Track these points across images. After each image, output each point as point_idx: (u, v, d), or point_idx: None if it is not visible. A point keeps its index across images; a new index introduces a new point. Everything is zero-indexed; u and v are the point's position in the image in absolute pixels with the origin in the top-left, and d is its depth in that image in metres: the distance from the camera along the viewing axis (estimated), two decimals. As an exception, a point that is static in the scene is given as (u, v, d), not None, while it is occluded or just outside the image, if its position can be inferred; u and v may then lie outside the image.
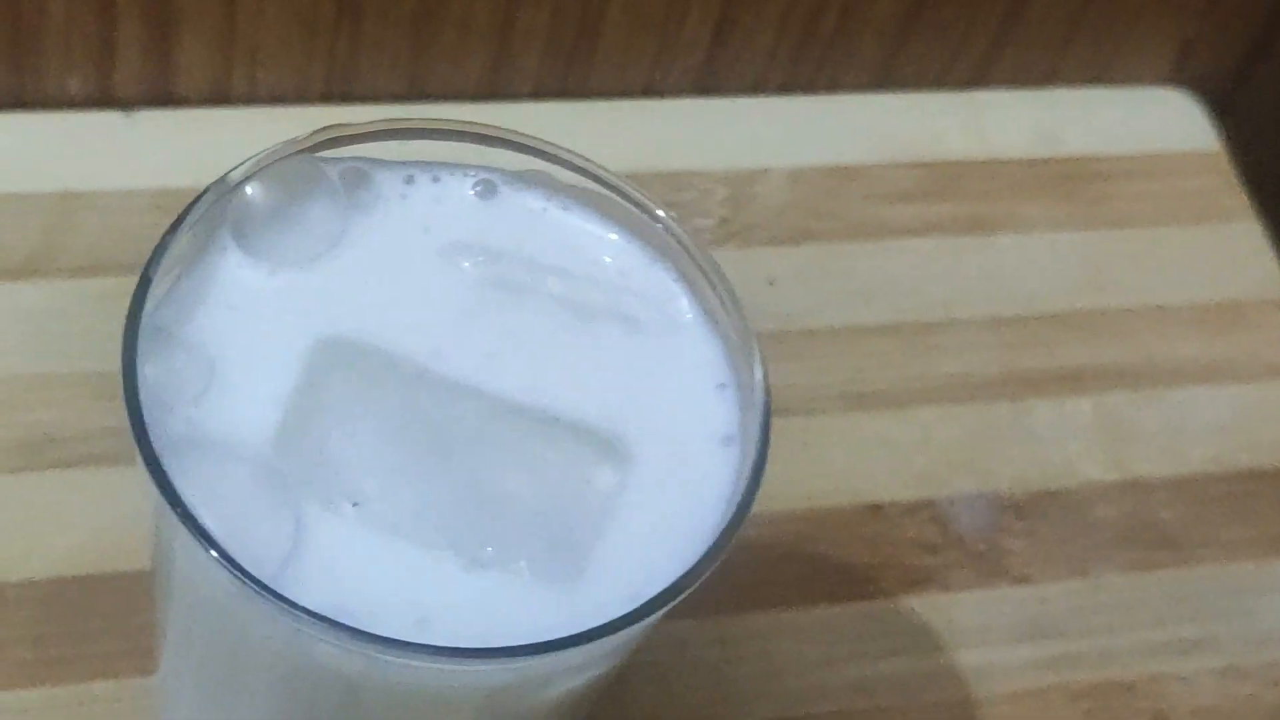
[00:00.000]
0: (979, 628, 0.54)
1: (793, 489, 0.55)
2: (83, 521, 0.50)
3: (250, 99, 0.58)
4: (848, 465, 0.56)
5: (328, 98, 0.59)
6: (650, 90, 0.62)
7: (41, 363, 0.52)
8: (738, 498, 0.36)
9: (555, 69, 0.60)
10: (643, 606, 0.34)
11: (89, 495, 0.50)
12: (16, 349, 0.52)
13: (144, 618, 0.45)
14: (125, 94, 0.57)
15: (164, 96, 0.58)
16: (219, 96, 0.58)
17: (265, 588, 0.32)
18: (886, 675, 0.52)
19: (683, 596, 0.34)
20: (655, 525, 0.36)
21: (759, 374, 0.37)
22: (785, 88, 0.63)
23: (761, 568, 0.53)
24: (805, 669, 0.52)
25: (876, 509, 0.55)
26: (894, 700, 0.52)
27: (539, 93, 0.61)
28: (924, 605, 0.54)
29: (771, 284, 0.59)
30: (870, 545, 0.54)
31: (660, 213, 0.38)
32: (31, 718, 0.47)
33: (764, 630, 0.52)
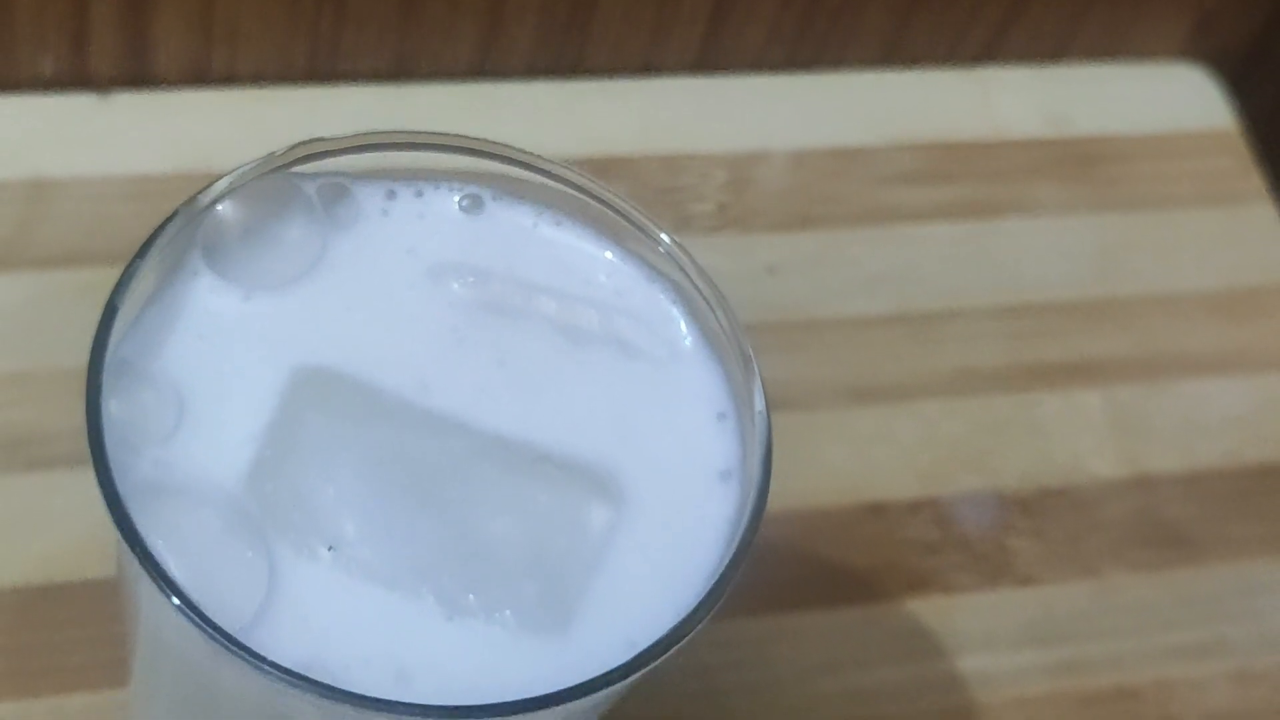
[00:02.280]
0: (983, 632, 0.53)
1: (790, 488, 0.53)
2: (59, 526, 0.48)
3: (230, 79, 0.57)
4: (847, 463, 0.55)
5: (311, 77, 0.57)
6: (647, 68, 0.60)
7: (14, 359, 0.51)
8: (737, 537, 0.34)
9: (548, 46, 0.59)
10: (636, 658, 0.32)
11: (65, 498, 0.49)
12: (-13, 345, 0.51)
13: (121, 627, 0.44)
14: (100, 75, 0.56)
15: (140, 77, 0.56)
16: (198, 77, 0.56)
17: (237, 643, 0.30)
18: (887, 682, 0.51)
19: (680, 645, 0.33)
20: (650, 568, 0.34)
21: (760, 403, 0.35)
22: (787, 65, 0.62)
23: (757, 571, 0.51)
24: (803, 676, 0.51)
25: (877, 508, 0.54)
26: (894, 708, 0.51)
27: (531, 71, 0.59)
28: (926, 609, 0.53)
29: (771, 272, 0.57)
30: (870, 546, 0.53)
31: (662, 235, 0.36)
32: (4, 734, 0.46)
33: (760, 636, 0.51)
